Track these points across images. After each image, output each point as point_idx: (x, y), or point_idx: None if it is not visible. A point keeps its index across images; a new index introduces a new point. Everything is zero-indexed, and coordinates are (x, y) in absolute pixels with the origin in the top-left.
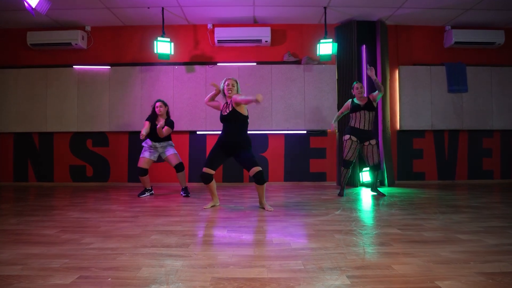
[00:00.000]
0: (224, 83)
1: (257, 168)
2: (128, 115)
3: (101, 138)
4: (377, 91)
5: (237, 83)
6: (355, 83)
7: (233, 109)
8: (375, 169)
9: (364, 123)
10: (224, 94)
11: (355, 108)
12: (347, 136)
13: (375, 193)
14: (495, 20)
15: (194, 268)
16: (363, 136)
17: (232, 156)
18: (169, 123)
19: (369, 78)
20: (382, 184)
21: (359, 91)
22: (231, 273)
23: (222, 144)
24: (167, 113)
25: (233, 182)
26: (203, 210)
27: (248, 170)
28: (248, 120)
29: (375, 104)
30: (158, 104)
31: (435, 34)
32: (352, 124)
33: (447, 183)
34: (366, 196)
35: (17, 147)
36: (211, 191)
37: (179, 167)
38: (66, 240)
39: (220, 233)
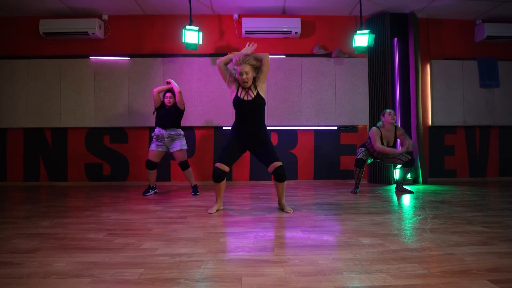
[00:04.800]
0: (235, 69)
1: (279, 163)
2: (149, 109)
3: (119, 134)
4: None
5: (251, 65)
6: (387, 110)
7: (258, 93)
8: (408, 165)
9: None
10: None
11: (382, 142)
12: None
13: (402, 191)
14: None
15: (303, 276)
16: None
17: (249, 150)
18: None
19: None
20: (416, 181)
21: (392, 117)
22: (352, 281)
23: (241, 137)
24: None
25: (260, 181)
26: (255, 210)
27: (268, 164)
28: None
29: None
30: (168, 94)
31: (466, 28)
32: (369, 146)
33: (479, 180)
34: (405, 194)
35: (27, 143)
36: (219, 193)
37: (182, 165)
38: (123, 245)
39: (296, 235)
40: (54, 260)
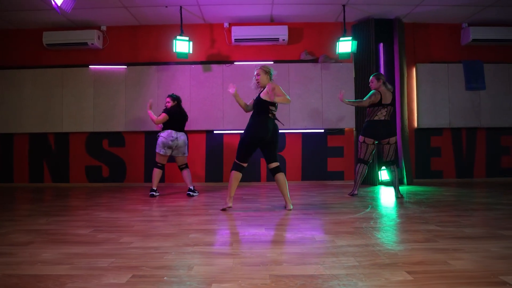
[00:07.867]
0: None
1: (277, 163)
2: (145, 114)
3: (117, 138)
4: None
5: (264, 71)
6: (375, 75)
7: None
8: (389, 165)
9: (388, 117)
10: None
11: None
12: (361, 138)
13: (398, 195)
14: None
15: (247, 266)
16: (385, 131)
17: (261, 145)
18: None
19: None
20: (401, 182)
21: (372, 83)
22: (288, 270)
23: (266, 134)
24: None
25: (251, 182)
26: (234, 209)
27: (269, 162)
28: None
29: None
30: (167, 99)
31: (452, 32)
32: (375, 118)
33: (466, 181)
34: (387, 195)
35: (32, 147)
36: (233, 190)
37: (185, 166)
38: (104, 240)
39: (259, 232)
40: (43, 251)
